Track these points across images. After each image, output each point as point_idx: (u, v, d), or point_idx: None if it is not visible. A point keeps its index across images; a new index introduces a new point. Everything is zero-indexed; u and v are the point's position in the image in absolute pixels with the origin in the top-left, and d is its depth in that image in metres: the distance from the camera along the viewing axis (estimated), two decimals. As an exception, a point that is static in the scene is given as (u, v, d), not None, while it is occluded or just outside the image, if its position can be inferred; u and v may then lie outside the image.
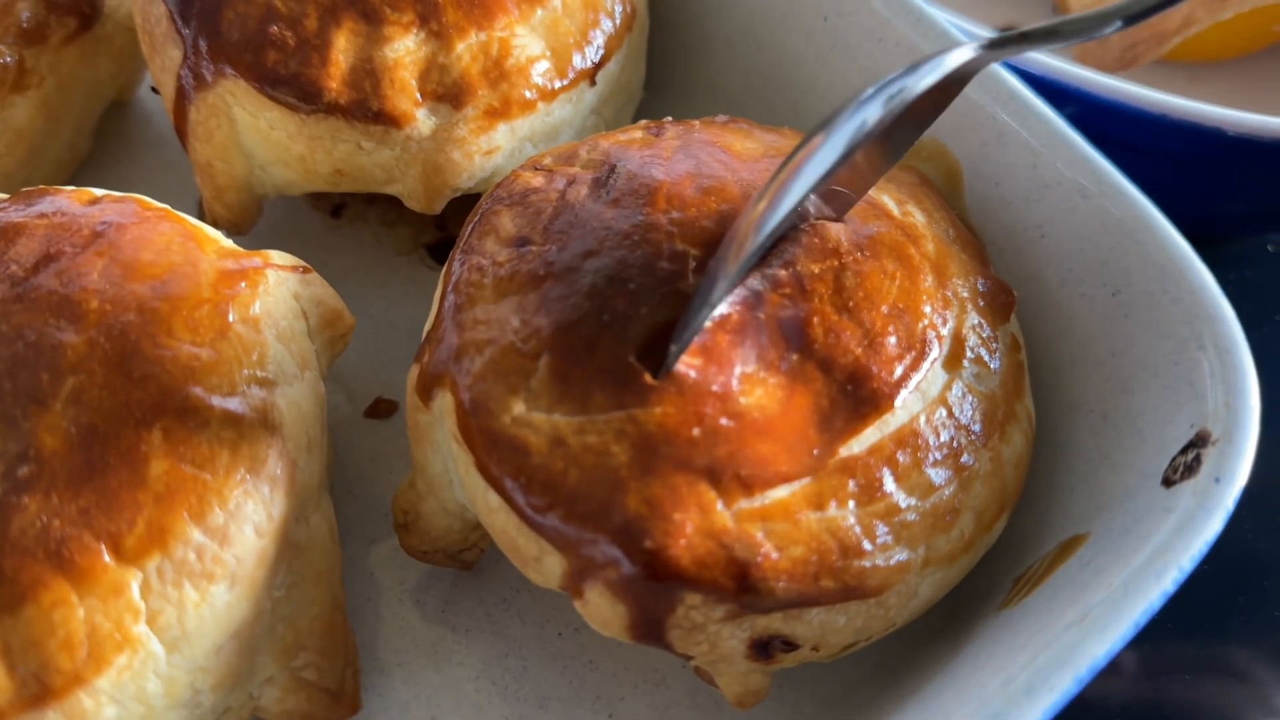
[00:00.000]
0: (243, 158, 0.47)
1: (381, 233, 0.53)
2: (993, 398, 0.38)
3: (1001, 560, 0.40)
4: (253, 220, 0.49)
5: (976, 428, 0.37)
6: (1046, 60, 0.54)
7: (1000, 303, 0.40)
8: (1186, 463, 0.35)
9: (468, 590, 0.44)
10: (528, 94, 0.45)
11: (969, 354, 0.38)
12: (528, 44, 0.45)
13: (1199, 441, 0.36)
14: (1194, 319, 0.38)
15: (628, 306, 0.36)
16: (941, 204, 0.43)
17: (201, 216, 0.49)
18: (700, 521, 0.33)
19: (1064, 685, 0.31)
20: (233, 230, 0.49)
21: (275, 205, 0.53)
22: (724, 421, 0.35)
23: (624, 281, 0.37)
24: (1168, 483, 0.36)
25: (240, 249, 0.40)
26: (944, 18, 0.46)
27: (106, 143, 0.55)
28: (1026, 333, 0.43)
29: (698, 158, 0.41)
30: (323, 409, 0.39)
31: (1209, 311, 0.38)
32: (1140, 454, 0.38)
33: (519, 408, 0.35)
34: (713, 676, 0.37)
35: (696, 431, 0.34)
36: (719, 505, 0.34)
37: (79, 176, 0.54)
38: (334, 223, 0.54)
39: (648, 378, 0.35)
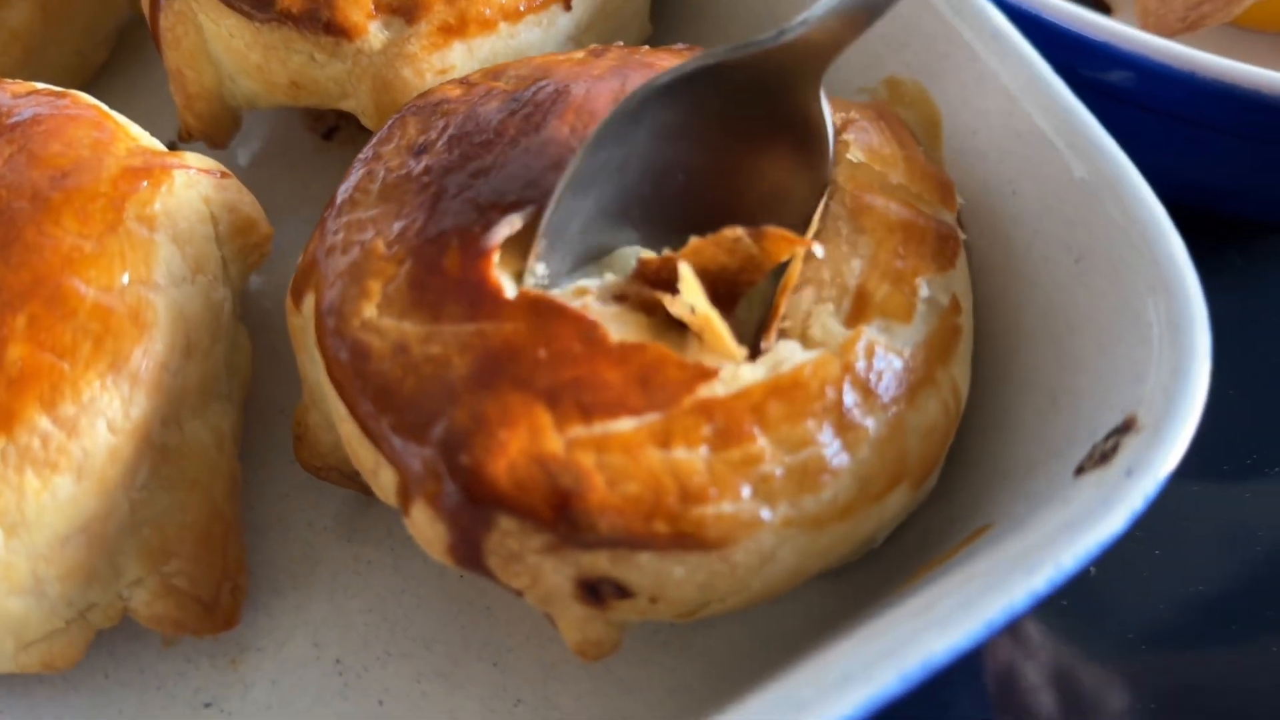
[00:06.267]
0: (211, 66, 0.46)
1: (369, 158, 0.52)
2: (907, 358, 0.34)
3: (919, 546, 0.36)
4: (227, 132, 0.49)
5: (877, 387, 0.33)
6: (1097, 20, 0.48)
7: (941, 249, 0.36)
8: (1104, 450, 0.31)
9: (378, 520, 0.43)
10: (487, 11, 0.43)
11: (880, 304, 0.34)
12: (489, -42, 0.43)
13: (1124, 428, 0.31)
14: (1152, 291, 0.33)
15: (503, 219, 0.34)
16: (898, 139, 0.38)
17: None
18: (527, 443, 0.31)
19: (885, 679, 0.27)
20: (207, 142, 0.48)
21: (269, 125, 0.53)
22: (576, 346, 0.32)
23: (505, 194, 0.35)
24: (1080, 471, 0.31)
25: (158, 148, 0.40)
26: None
27: (126, 54, 0.56)
28: (989, 301, 0.38)
29: (626, 76, 0.38)
30: (217, 316, 0.38)
31: (1169, 284, 0.32)
32: (1072, 440, 0.33)
33: (370, 311, 0.34)
34: (555, 620, 0.35)
35: (543, 352, 0.32)
36: (552, 430, 0.31)
37: (92, 85, 0.55)
38: (325, 145, 0.53)
39: (505, 293, 0.33)
